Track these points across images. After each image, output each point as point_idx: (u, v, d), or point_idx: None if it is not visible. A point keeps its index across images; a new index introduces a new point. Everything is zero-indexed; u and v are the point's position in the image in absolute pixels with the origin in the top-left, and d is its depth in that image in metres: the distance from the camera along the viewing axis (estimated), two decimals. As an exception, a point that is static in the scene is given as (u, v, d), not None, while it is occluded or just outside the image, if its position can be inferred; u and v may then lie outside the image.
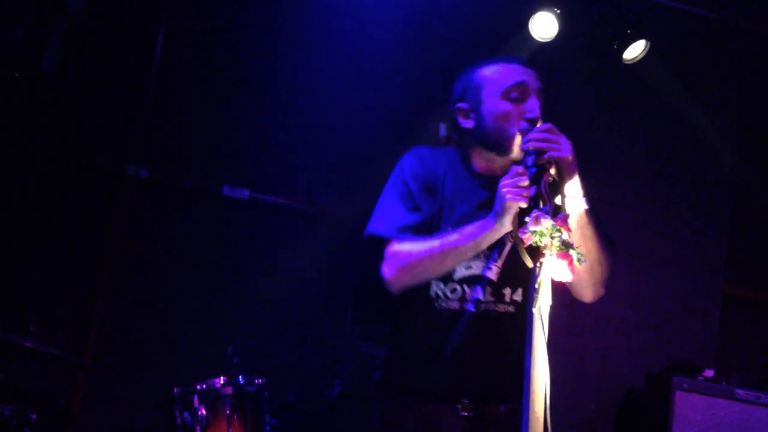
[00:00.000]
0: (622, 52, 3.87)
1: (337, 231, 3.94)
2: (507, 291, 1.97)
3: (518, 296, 1.98)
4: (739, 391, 3.57)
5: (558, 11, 3.71)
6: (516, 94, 1.96)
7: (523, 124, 1.91)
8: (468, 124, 2.04)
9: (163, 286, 3.76)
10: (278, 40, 4.00)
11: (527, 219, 1.56)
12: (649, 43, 3.84)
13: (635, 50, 3.86)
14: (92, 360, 3.60)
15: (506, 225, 1.76)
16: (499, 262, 1.96)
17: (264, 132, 3.99)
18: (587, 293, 2.00)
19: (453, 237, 1.85)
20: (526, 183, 1.70)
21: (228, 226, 3.91)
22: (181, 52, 3.90)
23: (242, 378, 2.96)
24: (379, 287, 2.09)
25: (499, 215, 1.75)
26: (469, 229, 1.83)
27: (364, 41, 4.04)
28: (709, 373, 3.75)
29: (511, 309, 1.97)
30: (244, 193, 3.89)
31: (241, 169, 3.94)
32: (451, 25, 4.13)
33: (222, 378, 2.94)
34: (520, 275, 1.94)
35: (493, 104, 1.98)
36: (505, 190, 1.73)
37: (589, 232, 1.86)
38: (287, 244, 3.90)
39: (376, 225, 1.97)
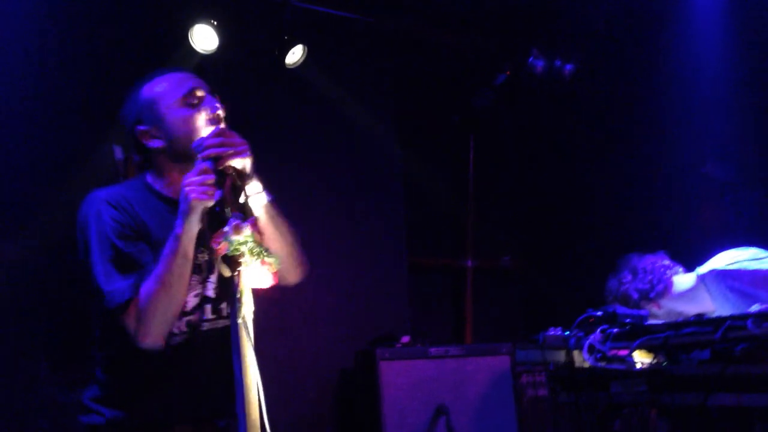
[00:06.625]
0: (284, 58, 4.08)
1: (13, 276, 3.58)
2: (224, 306, 1.97)
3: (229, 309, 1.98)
4: (432, 350, 4.00)
5: (215, 23, 3.77)
6: (194, 99, 1.95)
7: (211, 123, 1.92)
8: (156, 143, 1.97)
9: None
10: None
11: (226, 229, 1.57)
12: (306, 48, 4.09)
13: (295, 55, 4.09)
14: None
15: (194, 224, 1.74)
16: (214, 278, 1.95)
17: None
18: (293, 275, 2.06)
19: (160, 266, 1.77)
20: (211, 180, 1.69)
21: None
22: None
23: None
24: (77, 328, 1.95)
25: (186, 214, 1.72)
26: (167, 247, 1.77)
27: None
28: (406, 339, 4.16)
29: (223, 323, 1.97)
30: None
31: None
32: (111, 42, 3.96)
33: None
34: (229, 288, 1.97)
35: (175, 114, 1.95)
36: (189, 188, 1.71)
37: (279, 220, 1.94)
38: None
39: (109, 298, 1.79)
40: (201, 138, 1.79)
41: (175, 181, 1.95)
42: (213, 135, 1.76)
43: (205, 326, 1.94)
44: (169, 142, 1.96)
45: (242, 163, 1.74)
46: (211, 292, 1.95)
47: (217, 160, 1.71)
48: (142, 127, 1.99)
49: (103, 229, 1.85)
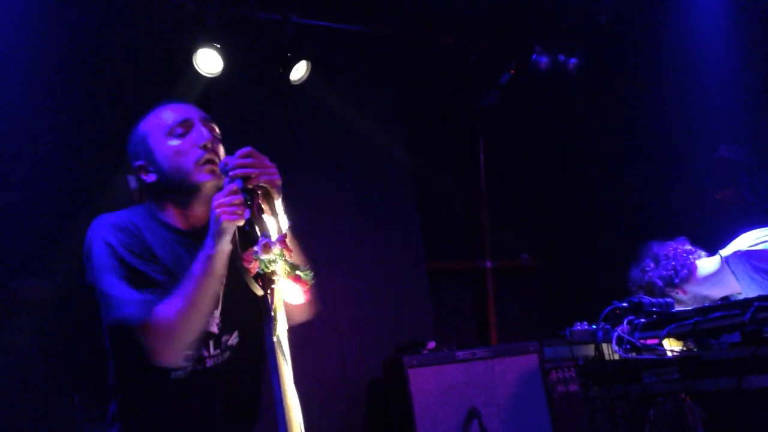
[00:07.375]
0: (288, 75, 4.10)
1: (43, 314, 3.62)
2: (225, 338, 1.95)
3: (234, 340, 1.97)
4: (459, 353, 4.00)
5: (218, 46, 3.81)
6: (180, 129, 1.92)
7: (198, 152, 1.89)
8: (150, 178, 1.94)
9: None
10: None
11: (255, 248, 1.55)
12: (310, 63, 4.11)
13: (299, 71, 4.11)
14: None
15: (226, 244, 1.72)
16: (217, 312, 1.92)
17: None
18: (305, 311, 1.98)
19: (189, 285, 1.73)
20: (240, 200, 1.67)
21: None
22: None
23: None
24: (105, 363, 1.95)
25: (217, 236, 1.71)
26: (196, 267, 1.74)
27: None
28: (432, 344, 4.16)
29: (228, 355, 1.96)
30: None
31: None
32: (120, 74, 4.00)
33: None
34: (234, 320, 1.94)
35: (162, 148, 1.92)
36: (219, 210, 1.69)
37: (296, 246, 1.87)
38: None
39: (120, 310, 1.75)
40: (227, 157, 1.77)
41: (174, 213, 1.95)
42: (240, 155, 1.73)
43: (209, 362, 1.91)
44: (161, 175, 1.93)
45: (270, 182, 1.71)
46: (214, 327, 1.92)
47: (246, 179, 1.69)
48: (138, 162, 1.97)
49: (112, 249, 1.81)
